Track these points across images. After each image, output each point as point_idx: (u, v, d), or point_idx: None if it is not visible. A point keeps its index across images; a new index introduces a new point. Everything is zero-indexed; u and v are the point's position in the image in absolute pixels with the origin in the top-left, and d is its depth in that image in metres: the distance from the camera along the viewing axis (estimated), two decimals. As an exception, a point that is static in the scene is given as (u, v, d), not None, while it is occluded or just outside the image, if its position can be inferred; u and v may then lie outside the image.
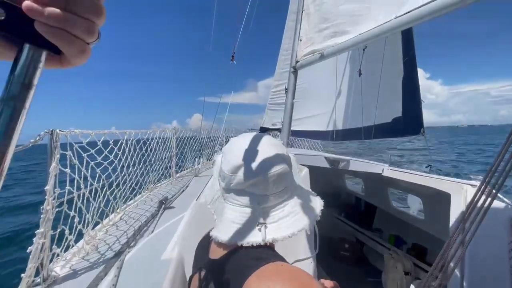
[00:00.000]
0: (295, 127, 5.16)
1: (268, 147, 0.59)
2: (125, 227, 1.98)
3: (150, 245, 1.34)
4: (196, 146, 4.59)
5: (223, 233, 0.56)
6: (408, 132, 3.79)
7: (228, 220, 0.57)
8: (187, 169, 4.12)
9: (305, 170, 1.46)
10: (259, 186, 0.55)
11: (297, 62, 3.97)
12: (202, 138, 4.94)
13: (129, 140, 2.29)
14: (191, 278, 0.65)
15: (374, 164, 2.25)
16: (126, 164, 2.32)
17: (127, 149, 2.26)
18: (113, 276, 1.13)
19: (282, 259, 0.52)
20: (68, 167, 1.49)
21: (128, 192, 2.48)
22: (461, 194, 1.42)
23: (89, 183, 1.74)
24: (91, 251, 1.65)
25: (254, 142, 0.59)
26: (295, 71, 4.10)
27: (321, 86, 5.00)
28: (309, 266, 1.28)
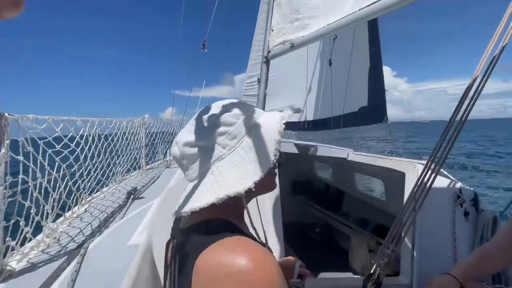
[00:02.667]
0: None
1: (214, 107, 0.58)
2: (90, 218, 1.89)
3: (116, 233, 1.30)
4: (168, 138, 4.48)
5: (180, 204, 0.55)
6: (373, 120, 4.01)
7: (186, 191, 0.56)
8: (158, 160, 4.01)
9: None
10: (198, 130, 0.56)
11: (269, 52, 4.00)
12: (173, 131, 4.82)
13: (92, 129, 2.17)
14: (167, 244, 0.65)
15: (340, 149, 2.37)
16: (90, 154, 2.20)
17: (90, 138, 2.14)
18: (76, 263, 1.09)
19: (242, 233, 0.52)
20: (21, 155, 1.38)
21: (94, 184, 2.36)
22: (414, 172, 1.56)
23: (46, 172, 1.63)
24: (51, 244, 1.57)
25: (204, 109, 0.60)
26: (267, 61, 4.12)
27: (293, 78, 5.08)
28: (277, 246, 1.33)
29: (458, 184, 1.54)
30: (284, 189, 3.76)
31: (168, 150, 4.04)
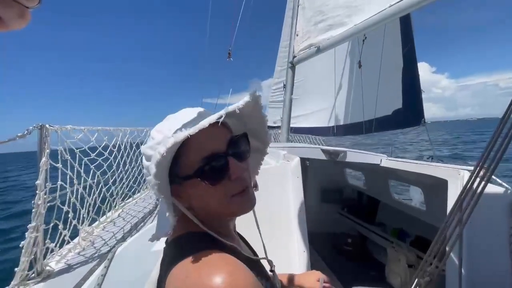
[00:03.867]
0: (296, 124, 5.13)
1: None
2: (123, 223, 1.99)
3: (142, 238, 1.33)
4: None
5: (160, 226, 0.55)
6: (409, 124, 3.72)
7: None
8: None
9: (296, 160, 1.43)
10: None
11: (294, 57, 3.96)
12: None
13: (125, 137, 2.30)
14: None
15: (372, 154, 2.20)
16: (122, 161, 2.33)
17: (122, 147, 2.27)
18: (103, 267, 1.13)
19: (220, 245, 0.48)
20: (59, 163, 1.50)
21: (126, 190, 2.49)
22: (458, 179, 1.38)
23: (82, 179, 1.74)
24: (87, 247, 1.66)
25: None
26: (292, 66, 4.08)
27: (321, 82, 4.97)
28: (301, 257, 1.25)
29: None
30: (314, 197, 3.62)
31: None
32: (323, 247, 3.19)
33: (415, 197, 2.73)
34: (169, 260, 0.48)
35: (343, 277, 2.52)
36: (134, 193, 2.72)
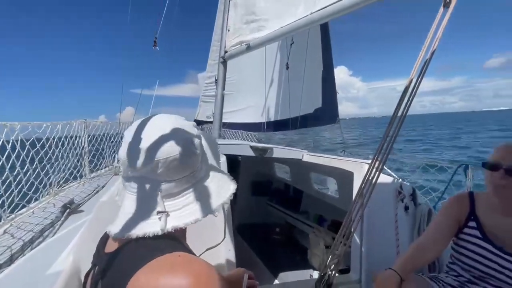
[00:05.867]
0: (229, 119, 5.15)
1: (170, 129, 0.53)
2: (10, 241, 1.58)
3: (37, 257, 1.09)
4: (117, 140, 4.08)
5: (118, 225, 0.51)
6: (327, 121, 4.23)
7: (125, 210, 0.52)
8: (105, 167, 3.63)
9: (222, 159, 1.43)
10: (159, 172, 0.50)
11: (225, 52, 3.93)
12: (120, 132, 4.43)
13: (13, 135, 1.83)
14: (86, 276, 0.58)
15: (295, 150, 2.41)
16: (9, 164, 1.84)
17: (9, 146, 1.80)
18: None
19: (184, 249, 0.49)
20: None
21: (17, 199, 1.99)
22: (361, 171, 1.63)
23: None
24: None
25: (155, 124, 0.54)
26: (224, 61, 4.04)
27: (253, 79, 5.12)
28: (227, 254, 1.26)
29: (399, 181, 1.66)
30: (246, 191, 3.73)
31: (116, 155, 3.69)
32: (254, 237, 3.34)
33: (331, 186, 3.11)
34: (126, 269, 0.45)
35: (271, 263, 2.70)
36: (30, 202, 2.20)
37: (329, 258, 1.15)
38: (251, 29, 3.16)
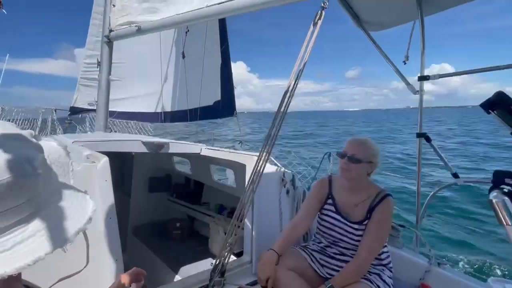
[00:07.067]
0: (117, 107, 4.50)
1: None
2: None
3: None
4: None
5: None
6: (225, 114, 4.41)
7: None
8: None
9: (103, 160, 1.20)
10: None
11: (110, 31, 3.38)
12: None
13: None
14: None
15: (193, 145, 2.41)
16: None
17: None
18: None
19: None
20: None
21: None
22: (252, 163, 1.84)
23: None
24: None
25: None
26: (109, 42, 3.48)
27: (147, 65, 4.64)
28: (115, 267, 1.16)
29: (282, 169, 1.97)
30: (142, 189, 3.42)
31: None
32: (152, 236, 3.16)
33: (230, 177, 3.30)
34: None
35: (172, 260, 2.64)
36: None
37: (227, 236, 1.27)
38: (144, 10, 2.85)
